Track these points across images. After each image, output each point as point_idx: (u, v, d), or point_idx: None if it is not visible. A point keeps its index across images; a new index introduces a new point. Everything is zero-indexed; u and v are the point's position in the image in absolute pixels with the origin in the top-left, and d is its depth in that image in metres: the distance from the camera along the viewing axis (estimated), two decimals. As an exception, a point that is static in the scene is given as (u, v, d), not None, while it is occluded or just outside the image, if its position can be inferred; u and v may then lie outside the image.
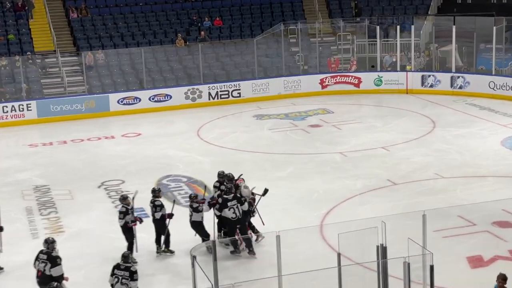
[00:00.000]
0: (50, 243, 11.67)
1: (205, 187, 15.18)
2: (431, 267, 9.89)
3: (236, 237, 13.48)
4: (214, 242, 10.04)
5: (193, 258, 9.98)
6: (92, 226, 15.51)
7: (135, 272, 11.02)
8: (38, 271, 11.47)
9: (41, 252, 11.66)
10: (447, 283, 11.65)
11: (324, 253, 13.28)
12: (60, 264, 11.41)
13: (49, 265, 11.33)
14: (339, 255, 10.29)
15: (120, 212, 13.73)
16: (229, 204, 13.50)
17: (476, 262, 12.72)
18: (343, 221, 14.52)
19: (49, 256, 11.43)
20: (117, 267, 11.08)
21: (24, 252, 14.02)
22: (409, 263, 9.83)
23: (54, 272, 11.31)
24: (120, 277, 10.94)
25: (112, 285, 11.03)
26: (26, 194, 18.00)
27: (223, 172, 14.68)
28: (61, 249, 14.11)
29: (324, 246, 13.71)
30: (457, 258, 12.93)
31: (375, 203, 16.18)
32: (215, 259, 9.92)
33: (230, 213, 13.40)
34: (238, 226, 13.56)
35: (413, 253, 9.98)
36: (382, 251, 10.22)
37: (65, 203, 17.21)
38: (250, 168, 18.91)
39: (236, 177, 14.49)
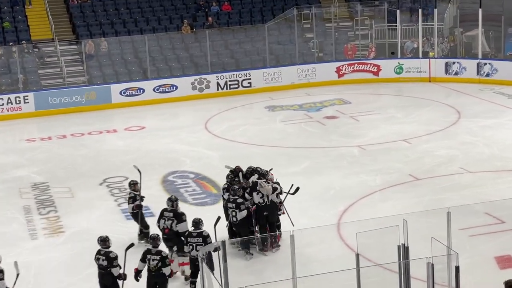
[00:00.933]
0: (174, 201, 13.05)
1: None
2: (457, 268, 9.87)
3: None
4: (224, 242, 10.04)
5: (202, 260, 10.00)
6: (94, 225, 15.57)
7: (208, 236, 11.94)
8: (165, 229, 12.72)
9: (165, 210, 12.94)
10: (474, 285, 11.63)
11: (342, 254, 13.28)
12: (185, 220, 12.67)
13: (175, 221, 12.67)
14: (357, 255, 10.28)
15: (129, 198, 14.22)
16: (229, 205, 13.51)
17: (505, 262, 12.69)
18: (362, 220, 14.51)
19: (175, 213, 12.75)
20: (189, 235, 12.01)
21: (22, 253, 14.10)
22: (432, 264, 9.81)
23: (180, 228, 12.57)
24: (194, 244, 11.94)
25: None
26: (24, 192, 18.08)
27: (252, 167, 14.44)
28: (61, 251, 14.24)
29: (341, 246, 13.71)
30: (485, 259, 12.89)
31: (396, 199, 16.15)
32: (225, 260, 9.94)
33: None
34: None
35: (437, 253, 9.96)
36: (404, 251, 10.20)
37: (65, 201, 17.28)
38: (261, 163, 18.84)
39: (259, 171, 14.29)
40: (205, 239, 11.87)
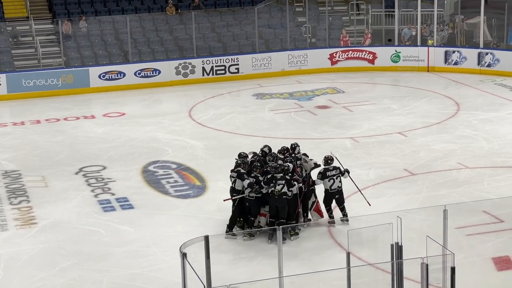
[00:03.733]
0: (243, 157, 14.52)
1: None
2: (452, 269, 9.92)
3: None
4: (207, 237, 10.05)
5: (183, 255, 10.00)
6: (69, 217, 15.54)
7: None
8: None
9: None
10: (470, 287, 11.68)
11: (332, 253, 13.31)
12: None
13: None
14: (348, 254, 10.30)
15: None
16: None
17: (503, 263, 12.75)
18: (354, 216, 14.56)
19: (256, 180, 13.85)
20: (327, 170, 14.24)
21: (-8, 246, 14.07)
22: (427, 264, 9.86)
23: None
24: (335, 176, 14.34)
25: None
26: (-6, 181, 18.03)
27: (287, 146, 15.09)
28: (32, 243, 14.21)
29: (332, 244, 13.75)
30: (482, 259, 12.96)
31: (390, 196, 16.20)
32: (207, 257, 9.95)
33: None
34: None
35: (432, 253, 10.00)
36: (397, 251, 10.24)
37: (38, 191, 17.23)
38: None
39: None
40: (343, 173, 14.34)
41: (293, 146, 15.20)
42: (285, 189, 13.79)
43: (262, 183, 13.93)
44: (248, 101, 25.44)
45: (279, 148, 15.11)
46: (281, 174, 13.86)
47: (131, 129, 22.15)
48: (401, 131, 20.99)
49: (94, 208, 16.00)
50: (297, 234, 14.05)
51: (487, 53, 28.03)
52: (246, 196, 13.96)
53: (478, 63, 28.16)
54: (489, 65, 27.95)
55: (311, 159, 14.92)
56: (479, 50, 28.20)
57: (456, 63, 28.59)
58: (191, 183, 17.41)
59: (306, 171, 14.61)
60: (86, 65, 27.73)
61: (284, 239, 13.61)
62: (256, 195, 13.93)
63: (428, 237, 10.04)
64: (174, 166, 18.65)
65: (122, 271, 13.01)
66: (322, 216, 14.74)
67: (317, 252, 13.42)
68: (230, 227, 14.20)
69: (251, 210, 14.14)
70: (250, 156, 14.86)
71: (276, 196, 13.80)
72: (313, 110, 23.86)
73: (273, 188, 13.76)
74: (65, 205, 16.25)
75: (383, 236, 10.43)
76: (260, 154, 14.99)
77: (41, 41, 28.59)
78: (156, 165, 18.76)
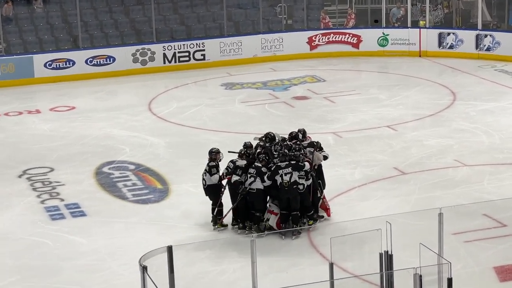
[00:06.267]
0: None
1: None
2: (449, 280, 9.98)
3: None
4: (170, 247, 10.03)
5: (143, 269, 9.97)
6: (11, 227, 15.43)
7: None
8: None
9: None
10: (469, 300, 11.79)
11: (313, 263, 13.34)
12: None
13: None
14: (331, 265, 10.33)
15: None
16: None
17: (506, 273, 12.84)
18: (337, 222, 14.60)
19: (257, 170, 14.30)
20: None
21: None
22: (420, 275, 9.91)
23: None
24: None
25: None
26: None
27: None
28: (-30, 258, 14.07)
29: (312, 253, 13.77)
30: (483, 269, 13.03)
31: (378, 198, 16.26)
32: (171, 271, 9.94)
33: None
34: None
35: (426, 262, 10.05)
36: (387, 260, 10.29)
37: (-24, 197, 17.11)
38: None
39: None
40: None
41: (301, 132, 15.37)
42: (295, 178, 14.02)
43: (265, 177, 14.18)
44: (216, 92, 25.42)
45: (287, 136, 15.31)
46: (286, 162, 14.10)
47: (82, 125, 22.04)
48: (390, 125, 21.07)
49: (41, 216, 15.90)
50: (315, 220, 14.57)
51: (486, 36, 28.21)
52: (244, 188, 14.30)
53: (476, 47, 28.33)
54: (488, 49, 28.14)
55: (320, 150, 15.07)
56: (477, 32, 28.38)
57: (451, 47, 28.74)
58: (151, 186, 17.37)
59: (315, 165, 14.76)
60: (29, 52, 27.56)
61: (299, 233, 14.12)
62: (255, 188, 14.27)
63: (422, 244, 10.09)
64: (132, 167, 18.60)
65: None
66: (329, 214, 14.89)
67: (295, 263, 13.44)
68: (237, 219, 14.60)
69: (254, 204, 14.37)
70: (254, 144, 15.14)
71: (286, 188, 14.04)
72: (290, 102, 23.88)
73: (281, 181, 14.03)
74: (7, 213, 16.15)
75: (370, 244, 10.47)
76: (266, 144, 15.09)
77: (-23, 25, 28.37)
78: (112, 166, 18.69)
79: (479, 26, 28.47)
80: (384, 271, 10.28)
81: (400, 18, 29.99)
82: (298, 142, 14.95)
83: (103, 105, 24.38)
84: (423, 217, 13.63)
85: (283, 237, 14.13)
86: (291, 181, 14.02)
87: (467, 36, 28.50)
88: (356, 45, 29.71)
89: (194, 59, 28.60)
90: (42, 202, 16.62)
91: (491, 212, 14.80)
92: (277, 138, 15.15)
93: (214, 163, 14.78)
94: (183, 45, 28.54)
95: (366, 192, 16.60)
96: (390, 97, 24.01)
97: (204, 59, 28.69)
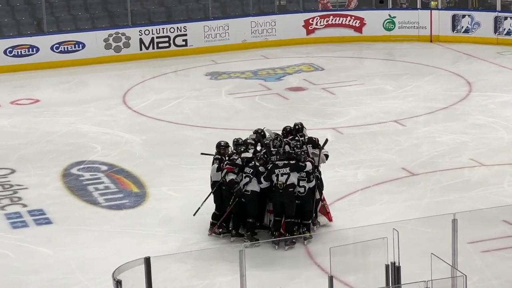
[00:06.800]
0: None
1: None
2: (465, 295, 10.02)
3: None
4: (148, 259, 10.04)
5: (117, 283, 9.98)
6: (-33, 237, 15.43)
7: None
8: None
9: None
10: (488, 318, 11.84)
11: (310, 276, 13.36)
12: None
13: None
14: (331, 278, 10.35)
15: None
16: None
17: (529, 287, 12.91)
18: (338, 229, 14.61)
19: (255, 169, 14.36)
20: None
21: None
22: (432, 290, 9.96)
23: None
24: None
25: None
26: None
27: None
28: None
29: (309, 265, 13.79)
30: (502, 282, 13.07)
31: (384, 202, 16.29)
32: (149, 285, 9.94)
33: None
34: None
35: (438, 275, 10.07)
36: (394, 272, 10.31)
37: None
38: (201, 151, 18.94)
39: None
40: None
41: (298, 127, 15.39)
42: (292, 179, 14.03)
43: (262, 178, 14.19)
44: (200, 83, 25.42)
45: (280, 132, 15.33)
46: (285, 161, 14.10)
47: (47, 121, 22.03)
48: (397, 119, 21.11)
49: (0, 224, 15.89)
50: (311, 236, 14.38)
51: (506, 18, 28.27)
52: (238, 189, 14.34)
53: (495, 31, 28.39)
54: (508, 33, 28.21)
55: (321, 148, 15.14)
56: (496, 14, 28.45)
57: (466, 31, 28.80)
58: (126, 190, 17.37)
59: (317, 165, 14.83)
60: (-13, 38, 27.57)
61: (293, 242, 14.08)
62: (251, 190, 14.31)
63: (433, 254, 10.11)
64: (104, 167, 18.59)
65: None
66: (330, 219, 14.93)
67: (290, 276, 13.46)
68: (235, 227, 14.61)
69: (247, 209, 14.40)
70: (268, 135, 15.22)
71: (281, 190, 14.04)
72: (283, 93, 23.90)
73: (275, 181, 14.06)
74: (-38, 221, 16.13)
75: (375, 255, 10.49)
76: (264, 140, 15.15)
77: None
78: (81, 167, 18.69)
79: (498, 7, 28.55)
80: (390, 285, 10.30)
81: (408, -1, 30.10)
82: (298, 138, 14.99)
83: (71, 98, 24.35)
84: (435, 224, 13.65)
85: (277, 247, 14.15)
86: (288, 183, 14.04)
87: (485, 19, 28.56)
88: (358, 29, 29.74)
89: (175, 45, 28.59)
90: (2, 208, 16.60)
91: (512, 218, 14.89)
92: (268, 135, 15.17)
93: (219, 156, 14.77)
94: (162, 29, 28.53)
95: (370, 195, 16.63)
96: (398, 88, 24.04)
97: (186, 45, 28.69)
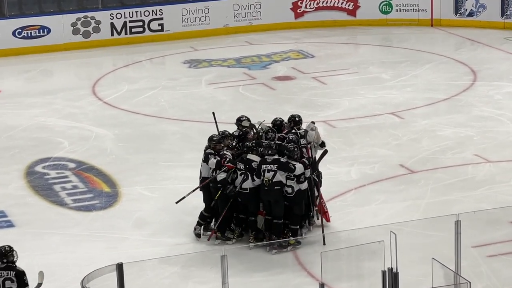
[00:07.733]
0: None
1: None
2: (469, 304, 10.07)
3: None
4: (120, 265, 10.05)
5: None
6: None
7: None
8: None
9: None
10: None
11: (299, 283, 13.39)
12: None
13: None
14: (322, 286, 10.38)
15: None
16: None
17: (539, 295, 12.97)
18: (330, 232, 14.63)
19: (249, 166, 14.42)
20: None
21: None
22: (433, 298, 10.01)
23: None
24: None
25: None
26: None
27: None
28: None
29: (298, 271, 13.83)
30: (510, 290, 13.16)
31: (380, 202, 16.33)
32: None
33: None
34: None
35: (440, 281, 10.11)
36: (392, 279, 10.34)
37: None
38: (179, 147, 18.94)
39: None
40: None
41: (298, 119, 15.45)
42: (279, 177, 14.03)
43: (254, 175, 14.27)
44: (178, 71, 25.42)
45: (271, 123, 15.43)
46: (273, 157, 14.13)
47: (9, 113, 22.00)
48: (395, 111, 21.15)
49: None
50: (299, 242, 14.36)
51: (514, 0, 28.36)
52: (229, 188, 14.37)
53: (502, 14, 28.45)
54: (516, 17, 28.30)
55: (318, 162, 15.21)
56: (502, -5, 28.54)
57: (471, 14, 28.85)
58: (96, 190, 17.36)
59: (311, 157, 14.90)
60: None
61: (282, 246, 14.12)
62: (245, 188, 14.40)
63: (434, 259, 10.15)
64: (72, 165, 18.58)
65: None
66: (328, 219, 14.95)
67: (277, 283, 13.48)
68: (221, 230, 14.59)
69: (248, 207, 14.44)
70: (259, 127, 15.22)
71: (266, 187, 14.10)
72: (270, 83, 23.92)
73: (262, 177, 14.13)
74: None
75: (371, 260, 10.52)
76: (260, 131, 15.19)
77: None
78: (47, 164, 18.67)
79: (505, -12, 28.65)
80: (387, 292, 10.35)
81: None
82: (295, 131, 15.05)
83: (35, 88, 24.33)
84: (436, 226, 13.71)
85: (268, 248, 14.16)
86: (274, 180, 14.07)
87: (491, 1, 28.59)
88: (352, 12, 29.76)
89: (150, 30, 28.56)
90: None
91: (520, 219, 14.94)
92: (259, 127, 15.15)
93: (213, 151, 14.73)
94: (136, 12, 28.49)
95: (365, 195, 16.67)
96: (395, 77, 24.08)
97: (162, 30, 28.67)
